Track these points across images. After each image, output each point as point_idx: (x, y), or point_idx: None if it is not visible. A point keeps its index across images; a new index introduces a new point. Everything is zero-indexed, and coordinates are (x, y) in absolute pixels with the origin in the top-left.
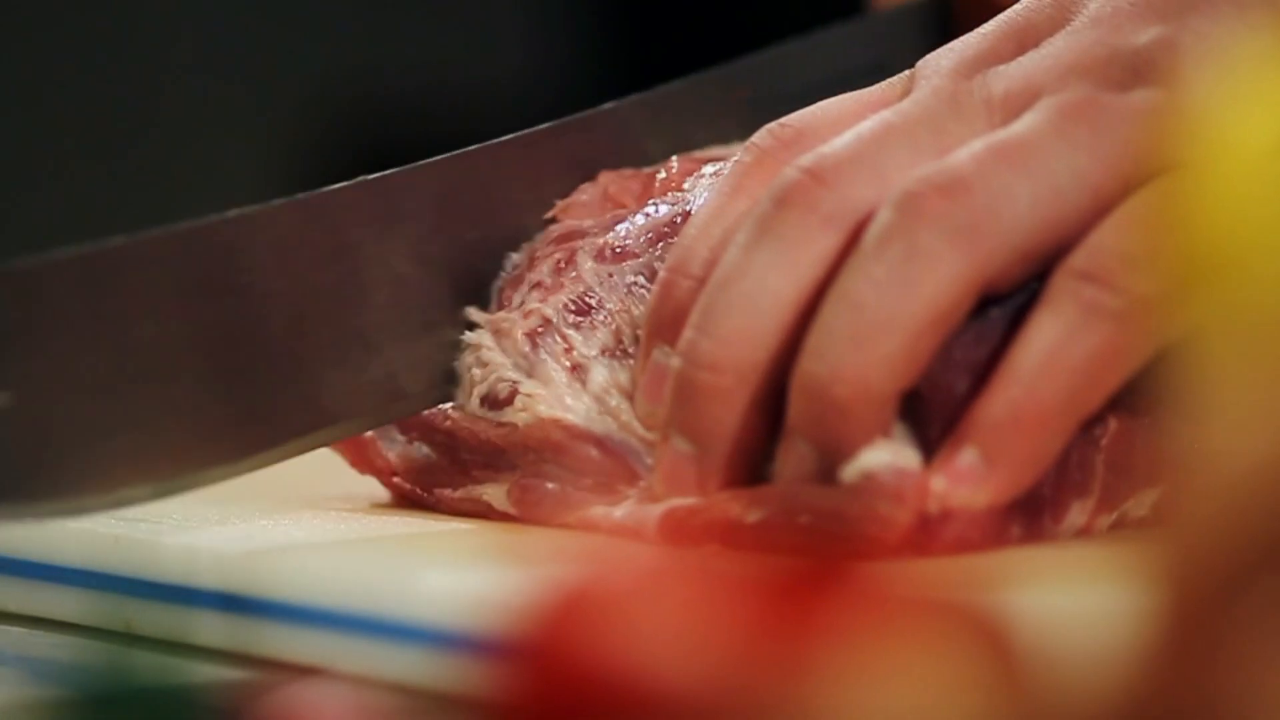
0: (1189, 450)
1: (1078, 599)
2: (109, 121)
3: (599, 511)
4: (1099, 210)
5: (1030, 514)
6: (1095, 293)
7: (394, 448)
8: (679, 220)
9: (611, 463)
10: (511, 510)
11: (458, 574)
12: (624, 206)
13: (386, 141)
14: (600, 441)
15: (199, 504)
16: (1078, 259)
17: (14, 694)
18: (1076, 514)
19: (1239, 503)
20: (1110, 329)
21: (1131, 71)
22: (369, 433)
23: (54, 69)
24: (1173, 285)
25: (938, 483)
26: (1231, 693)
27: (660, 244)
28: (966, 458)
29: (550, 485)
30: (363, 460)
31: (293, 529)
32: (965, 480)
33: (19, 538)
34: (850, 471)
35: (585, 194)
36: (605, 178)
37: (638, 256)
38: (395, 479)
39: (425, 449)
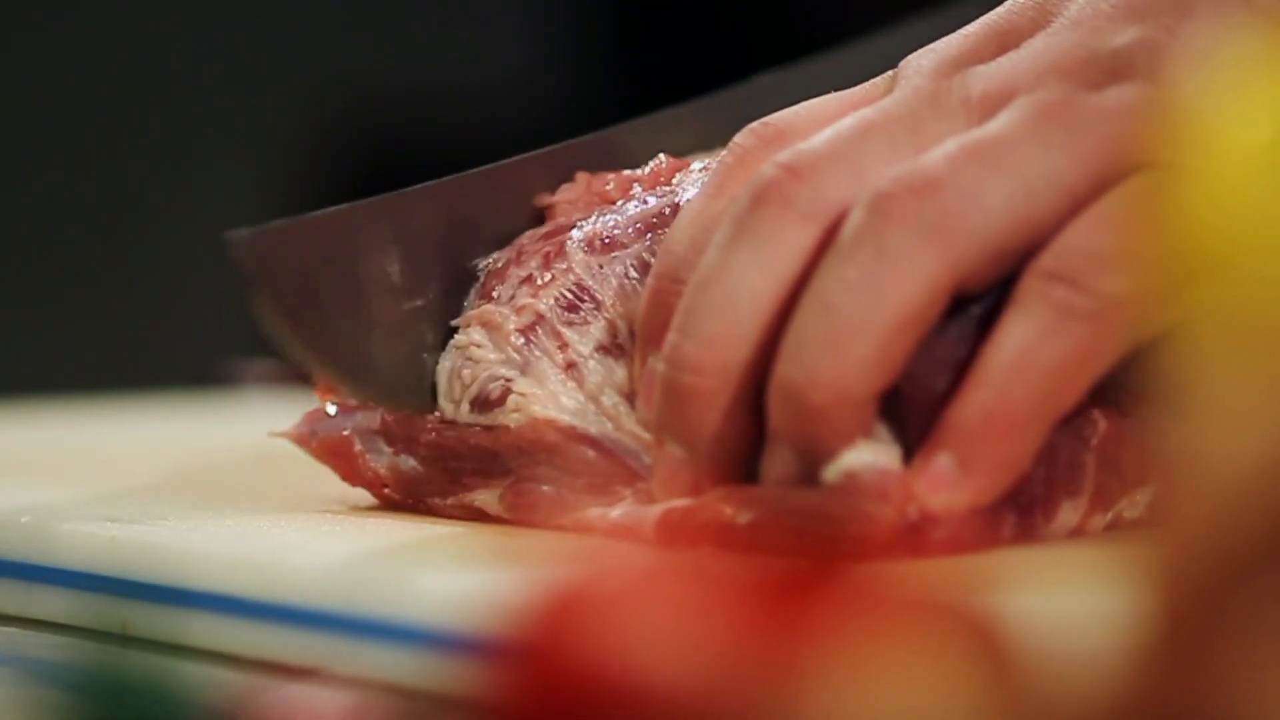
0: (1182, 450)
1: (1071, 599)
2: (112, 124)
3: (595, 513)
4: (1072, 210)
5: (1022, 514)
6: (1065, 293)
7: (381, 460)
8: (668, 211)
9: (608, 463)
10: (505, 515)
11: (453, 575)
12: (610, 203)
13: (387, 142)
14: (596, 442)
15: (194, 506)
16: (1047, 259)
17: (10, 695)
18: (1068, 513)
19: (1232, 502)
20: (1081, 329)
21: (1109, 73)
22: (356, 446)
23: (55, 67)
24: (1144, 284)
25: (914, 488)
26: (1225, 692)
27: (650, 235)
28: (941, 463)
29: (545, 488)
30: (352, 472)
31: (288, 531)
32: (940, 486)
33: (17, 540)
34: (833, 472)
35: (569, 192)
36: (584, 176)
37: (627, 247)
38: (386, 490)
39: (411, 461)
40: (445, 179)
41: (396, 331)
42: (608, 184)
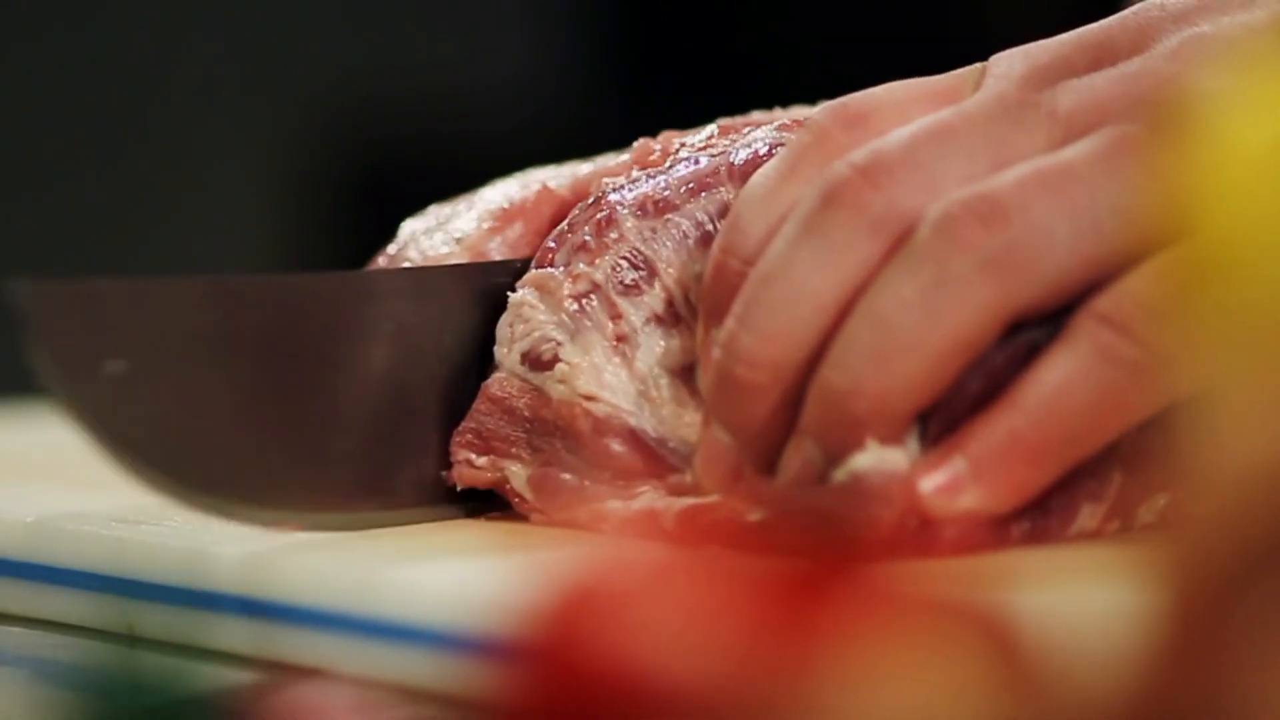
0: (1196, 454)
1: (1082, 598)
2: (115, 125)
3: (614, 505)
4: (1139, 253)
5: (1038, 517)
6: (1113, 338)
7: None
8: (722, 170)
9: (635, 457)
10: (528, 496)
11: (460, 574)
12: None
13: (387, 142)
14: (627, 434)
15: None
16: (1102, 301)
17: (18, 695)
18: (1086, 517)
19: (1242, 504)
20: (1121, 376)
21: None
22: None
23: (56, 71)
24: (1192, 345)
25: (921, 484)
26: (1235, 693)
27: (704, 194)
28: (954, 466)
29: (566, 476)
30: None
31: (293, 531)
32: (948, 487)
33: (23, 541)
34: (841, 473)
35: (613, 161)
36: (637, 149)
37: (679, 208)
38: None
39: None
40: (287, 276)
41: (200, 415)
42: (652, 154)
